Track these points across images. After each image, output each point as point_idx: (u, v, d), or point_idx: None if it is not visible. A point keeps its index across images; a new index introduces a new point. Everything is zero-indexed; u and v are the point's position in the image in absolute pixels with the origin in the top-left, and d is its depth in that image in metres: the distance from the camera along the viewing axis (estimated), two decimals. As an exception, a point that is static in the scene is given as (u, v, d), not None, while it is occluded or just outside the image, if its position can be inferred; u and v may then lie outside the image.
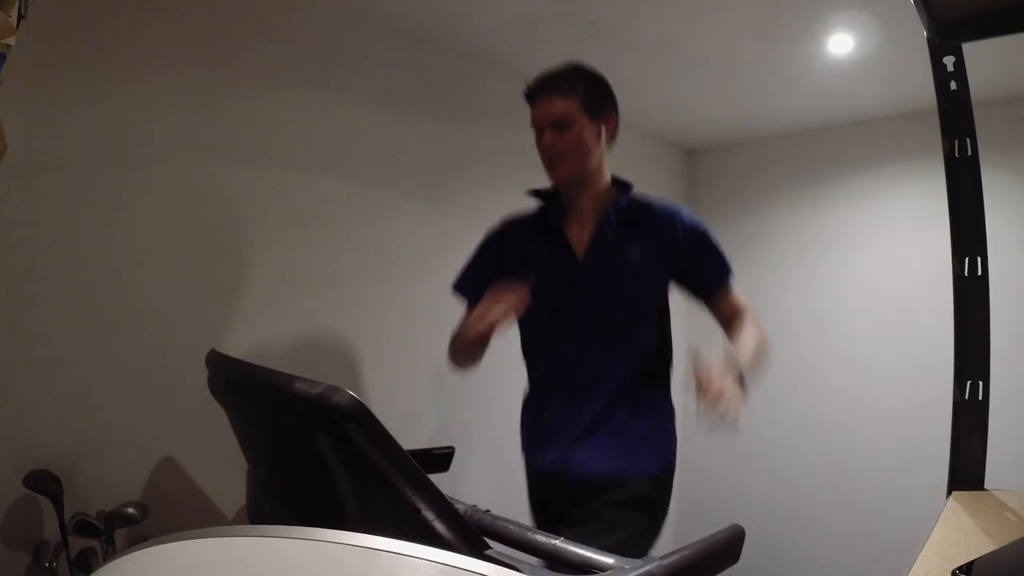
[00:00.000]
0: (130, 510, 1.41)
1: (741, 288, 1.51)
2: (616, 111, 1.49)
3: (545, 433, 1.48)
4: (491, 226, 1.64)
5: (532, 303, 1.39)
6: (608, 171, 1.52)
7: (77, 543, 1.37)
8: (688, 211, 1.52)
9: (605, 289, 1.45)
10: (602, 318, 1.45)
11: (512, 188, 2.56)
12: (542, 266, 1.50)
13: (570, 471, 1.41)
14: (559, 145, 1.43)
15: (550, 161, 1.45)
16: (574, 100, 1.42)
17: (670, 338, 1.54)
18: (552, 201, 1.56)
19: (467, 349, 1.47)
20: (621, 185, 1.54)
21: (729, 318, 1.47)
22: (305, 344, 1.90)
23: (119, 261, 1.57)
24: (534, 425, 1.52)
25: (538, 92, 1.45)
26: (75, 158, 1.51)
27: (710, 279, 1.49)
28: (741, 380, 1.20)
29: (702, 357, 1.18)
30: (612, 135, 1.49)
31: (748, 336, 1.38)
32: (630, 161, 3.30)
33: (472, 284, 1.55)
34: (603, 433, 1.41)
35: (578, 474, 1.40)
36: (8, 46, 0.96)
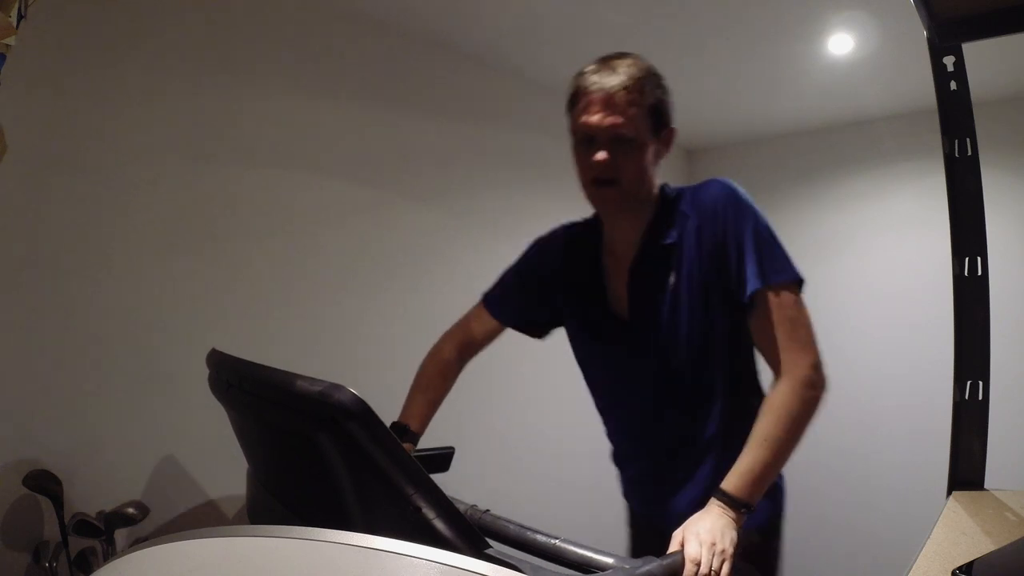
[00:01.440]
0: (130, 510, 1.41)
1: (790, 302, 1.06)
2: (672, 120, 1.18)
3: (641, 491, 1.32)
4: (533, 241, 1.41)
5: (586, 363, 1.29)
6: (655, 186, 1.20)
7: (77, 543, 1.37)
8: (728, 191, 1.14)
9: (660, 351, 1.16)
10: (666, 382, 1.18)
11: (512, 188, 2.57)
12: (587, 321, 1.27)
13: (672, 528, 1.09)
14: (615, 168, 1.10)
15: (599, 185, 1.12)
16: (642, 111, 1.09)
17: (754, 368, 1.21)
18: (592, 234, 1.28)
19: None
20: (663, 196, 1.20)
21: (769, 358, 1.10)
22: (305, 343, 1.90)
23: (119, 261, 1.57)
24: (628, 482, 1.34)
25: (595, 89, 1.09)
26: (75, 158, 1.51)
27: (738, 294, 1.09)
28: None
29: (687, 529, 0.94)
30: (668, 149, 1.19)
31: (759, 431, 1.02)
32: (630, 161, 3.31)
33: (505, 307, 1.37)
34: (699, 490, 1.16)
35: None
36: (8, 46, 0.96)
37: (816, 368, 1.04)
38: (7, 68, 0.97)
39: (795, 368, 1.03)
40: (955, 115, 1.30)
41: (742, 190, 1.15)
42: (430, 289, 2.25)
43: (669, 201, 1.19)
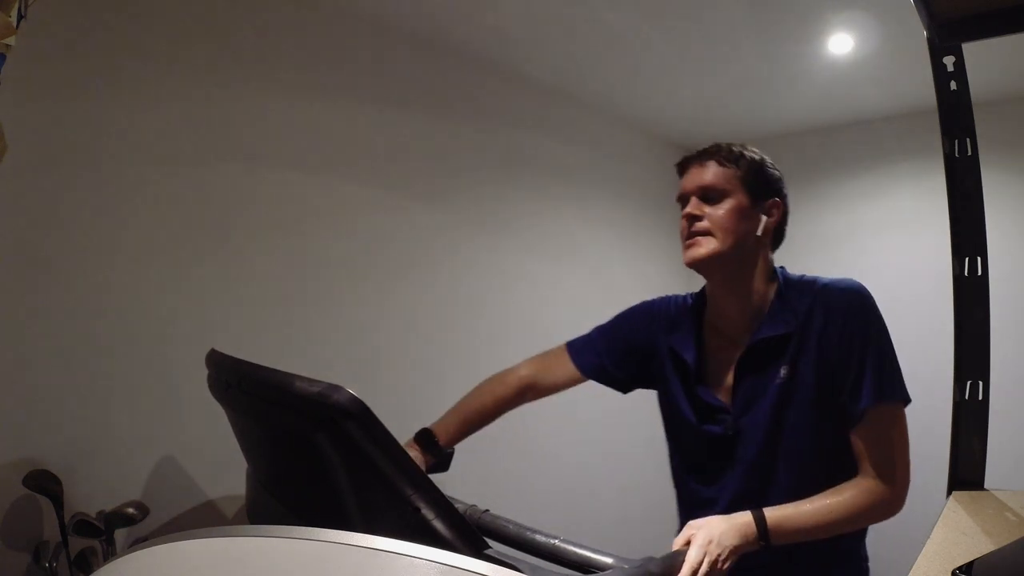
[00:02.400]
0: (130, 510, 1.41)
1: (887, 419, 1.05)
2: (784, 200, 1.20)
3: None
4: (639, 304, 1.36)
5: (674, 433, 1.24)
6: (769, 275, 1.18)
7: (77, 543, 1.37)
8: (863, 298, 1.10)
9: (758, 444, 1.12)
10: (756, 475, 1.12)
11: (512, 189, 2.57)
12: (686, 395, 1.22)
13: None
14: (701, 219, 1.13)
15: (686, 236, 1.15)
16: (734, 170, 1.15)
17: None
18: (697, 309, 1.25)
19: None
20: (785, 284, 1.18)
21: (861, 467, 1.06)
22: (305, 343, 1.90)
23: (119, 260, 1.57)
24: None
25: (693, 159, 1.19)
26: (76, 157, 1.51)
27: (850, 404, 1.06)
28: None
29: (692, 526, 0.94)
30: (775, 230, 1.19)
31: (825, 497, 1.02)
32: (629, 160, 3.32)
33: (585, 356, 1.33)
34: None
35: None
36: (8, 46, 0.96)
37: (902, 489, 1.04)
38: (7, 68, 0.97)
39: (885, 479, 1.03)
40: (955, 115, 1.30)
41: (872, 298, 1.12)
42: (434, 290, 2.25)
43: (789, 286, 1.17)
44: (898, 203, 2.95)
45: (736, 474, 1.14)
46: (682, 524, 1.24)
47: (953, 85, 1.29)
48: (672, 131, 3.27)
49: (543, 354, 1.38)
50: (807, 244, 3.16)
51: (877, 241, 2.99)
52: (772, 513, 0.98)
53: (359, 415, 0.67)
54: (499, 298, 2.48)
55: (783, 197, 1.21)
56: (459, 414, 1.30)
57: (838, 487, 1.04)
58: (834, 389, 1.08)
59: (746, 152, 1.17)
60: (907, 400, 1.07)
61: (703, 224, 1.13)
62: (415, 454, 1.22)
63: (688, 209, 1.15)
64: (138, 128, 1.61)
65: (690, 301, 1.28)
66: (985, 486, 1.31)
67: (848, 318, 1.08)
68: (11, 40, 0.95)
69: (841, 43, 2.26)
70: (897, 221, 2.94)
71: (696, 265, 1.15)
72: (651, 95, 2.79)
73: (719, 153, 1.17)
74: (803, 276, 1.19)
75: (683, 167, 1.21)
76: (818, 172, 3.17)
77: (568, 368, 1.34)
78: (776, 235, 1.21)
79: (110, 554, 1.38)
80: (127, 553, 0.64)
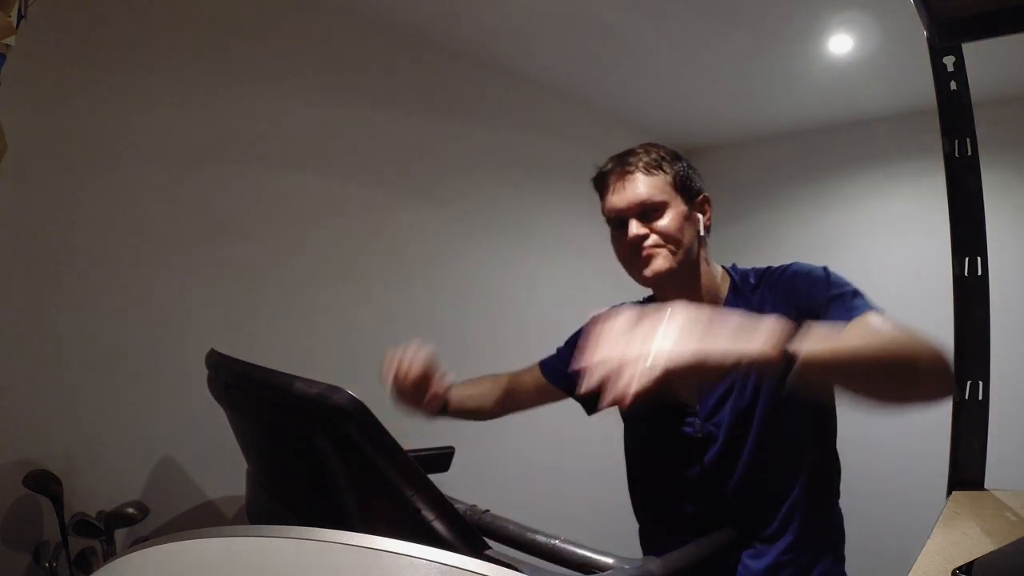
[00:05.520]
0: (130, 510, 1.41)
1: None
2: (707, 193, 1.17)
3: None
4: (589, 319, 1.26)
5: (634, 445, 1.21)
6: (715, 271, 1.17)
7: (77, 543, 1.37)
8: (801, 267, 1.10)
9: (731, 439, 1.08)
10: (742, 503, 1.08)
11: (513, 189, 2.57)
12: (647, 419, 1.18)
13: None
14: (650, 237, 1.09)
15: (641, 260, 1.09)
16: (663, 176, 1.10)
17: (831, 484, 1.19)
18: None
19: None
20: (741, 279, 1.15)
21: None
22: (304, 344, 1.90)
23: (119, 260, 1.57)
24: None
25: (614, 171, 1.13)
26: (76, 157, 1.51)
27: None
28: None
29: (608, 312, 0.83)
30: (709, 224, 1.16)
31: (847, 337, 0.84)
32: (630, 161, 3.31)
33: (555, 368, 1.33)
34: None
35: None
36: (8, 46, 0.96)
37: (943, 350, 0.82)
38: (7, 68, 0.97)
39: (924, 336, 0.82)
40: (955, 115, 1.30)
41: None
42: (432, 290, 2.25)
43: (743, 280, 1.14)
44: (898, 203, 2.95)
45: (704, 472, 1.11)
46: (645, 537, 1.25)
47: (953, 85, 1.29)
48: (673, 131, 3.27)
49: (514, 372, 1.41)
50: (807, 244, 3.17)
51: (877, 241, 2.99)
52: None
53: (359, 416, 0.67)
54: (500, 297, 2.48)
55: (704, 189, 1.16)
56: (464, 387, 1.33)
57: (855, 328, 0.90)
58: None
59: (661, 153, 1.12)
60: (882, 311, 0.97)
61: (654, 240, 1.08)
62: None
63: (633, 232, 1.08)
64: (138, 128, 1.61)
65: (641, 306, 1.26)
66: (985, 486, 1.31)
67: (797, 288, 1.05)
68: (11, 40, 0.95)
69: (841, 43, 2.26)
70: (897, 221, 2.94)
71: (657, 279, 1.09)
72: (652, 95, 2.79)
73: (639, 163, 1.11)
74: (752, 268, 1.16)
75: (605, 183, 1.14)
76: (818, 172, 3.17)
77: (540, 379, 1.34)
78: (708, 227, 1.16)
79: (110, 554, 1.38)
80: (127, 553, 0.64)
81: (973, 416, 1.31)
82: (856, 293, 1.01)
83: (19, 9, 0.97)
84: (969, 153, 1.29)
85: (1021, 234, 2.61)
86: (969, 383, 1.31)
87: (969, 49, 1.26)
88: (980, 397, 1.31)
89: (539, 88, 2.62)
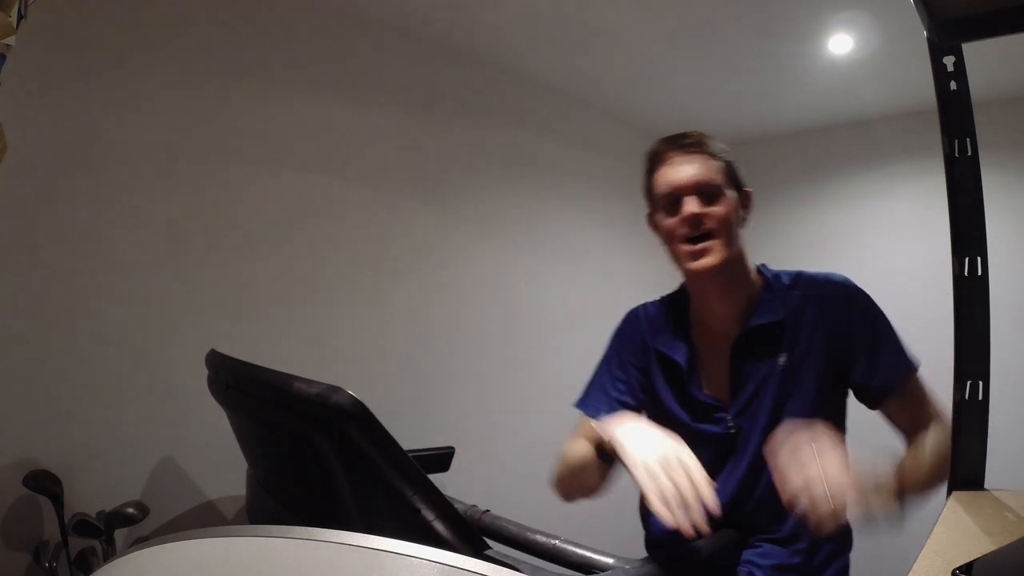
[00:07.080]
0: (130, 510, 1.41)
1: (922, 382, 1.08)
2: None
3: None
4: (625, 317, 1.28)
5: None
6: (749, 267, 1.14)
7: (77, 543, 1.37)
8: (853, 285, 1.11)
9: (763, 433, 1.06)
10: (759, 467, 1.06)
11: (512, 188, 2.57)
12: (681, 399, 1.15)
13: None
14: (705, 220, 1.05)
15: (695, 242, 1.05)
16: (721, 164, 1.09)
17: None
18: (679, 311, 1.19)
19: (580, 479, 1.17)
20: (774, 277, 1.14)
21: (912, 430, 1.09)
22: (304, 344, 1.90)
23: (120, 261, 1.57)
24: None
25: (675, 148, 1.10)
26: (76, 158, 1.51)
27: (881, 381, 1.07)
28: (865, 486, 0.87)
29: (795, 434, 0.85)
30: (747, 219, 1.15)
31: (929, 439, 1.04)
32: (630, 161, 3.31)
33: (591, 402, 1.22)
34: None
35: None
36: (8, 46, 0.96)
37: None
38: (7, 68, 0.97)
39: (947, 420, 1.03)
40: (955, 115, 1.29)
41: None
42: (434, 291, 2.25)
43: (776, 278, 1.14)
44: (898, 203, 2.95)
45: (737, 471, 1.09)
46: (649, 528, 1.23)
47: (953, 85, 1.29)
48: (671, 131, 3.27)
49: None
50: (807, 244, 3.16)
51: (877, 241, 2.99)
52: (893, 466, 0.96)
53: (359, 416, 0.67)
54: (500, 298, 2.48)
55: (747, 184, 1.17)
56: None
57: (918, 440, 1.06)
58: (845, 376, 1.07)
59: (719, 142, 1.12)
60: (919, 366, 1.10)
61: (710, 225, 1.05)
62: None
63: (690, 209, 1.04)
64: (138, 128, 1.61)
65: (666, 302, 1.24)
66: (985, 486, 1.30)
67: (849, 303, 1.08)
68: (11, 40, 0.95)
69: (841, 43, 2.26)
70: (897, 221, 2.94)
71: (708, 274, 1.06)
72: (651, 95, 2.79)
73: (703, 145, 1.09)
74: (783, 270, 1.16)
75: (662, 157, 1.11)
76: (818, 172, 3.17)
77: (587, 426, 1.18)
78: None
79: (110, 554, 1.38)
80: (127, 553, 0.64)
81: (973, 416, 1.31)
82: (899, 340, 1.09)
83: (19, 9, 0.97)
84: (969, 153, 1.29)
85: (1021, 234, 2.61)
86: (969, 383, 1.30)
87: (969, 49, 1.25)
88: (980, 397, 1.30)
89: (541, 89, 2.62)
